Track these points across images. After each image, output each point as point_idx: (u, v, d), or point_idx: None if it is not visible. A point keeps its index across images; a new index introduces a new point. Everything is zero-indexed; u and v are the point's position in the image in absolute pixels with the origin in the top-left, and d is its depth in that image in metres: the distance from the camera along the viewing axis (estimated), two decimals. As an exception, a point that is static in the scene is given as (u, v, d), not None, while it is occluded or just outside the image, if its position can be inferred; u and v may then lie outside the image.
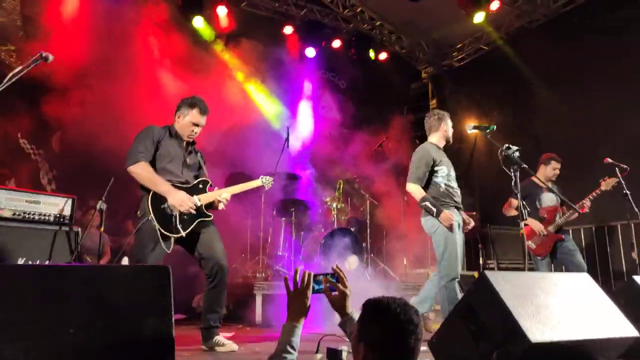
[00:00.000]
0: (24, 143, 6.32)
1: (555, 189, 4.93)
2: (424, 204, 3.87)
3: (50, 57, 2.59)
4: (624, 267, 6.06)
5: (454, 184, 3.99)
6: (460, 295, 3.73)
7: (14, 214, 3.68)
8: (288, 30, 8.14)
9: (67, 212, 4.07)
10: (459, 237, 3.82)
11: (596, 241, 6.51)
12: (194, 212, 3.11)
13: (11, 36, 6.55)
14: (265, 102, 7.76)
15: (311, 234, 5.93)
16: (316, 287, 1.75)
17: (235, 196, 5.90)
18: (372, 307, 1.45)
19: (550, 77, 7.43)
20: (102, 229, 4.37)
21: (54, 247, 3.94)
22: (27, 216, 3.81)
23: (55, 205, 4.03)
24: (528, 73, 7.80)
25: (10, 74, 2.41)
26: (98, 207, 4.18)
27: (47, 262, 3.73)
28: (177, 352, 2.93)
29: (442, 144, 4.19)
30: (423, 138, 9.64)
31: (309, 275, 1.73)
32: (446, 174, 3.95)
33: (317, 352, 2.38)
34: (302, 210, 6.04)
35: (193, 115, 3.32)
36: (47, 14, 6.33)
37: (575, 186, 5.17)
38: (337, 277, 1.81)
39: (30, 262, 3.57)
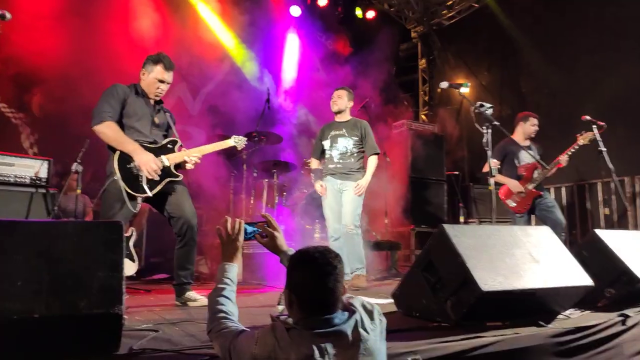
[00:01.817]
0: (4, 107, 6.24)
1: (534, 148, 4.94)
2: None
3: (8, 15, 2.51)
4: (603, 224, 6.16)
5: (335, 153, 4.52)
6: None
7: (-14, 176, 3.68)
8: (272, -12, 7.94)
9: (43, 174, 4.08)
10: (329, 199, 4.46)
11: (577, 199, 6.58)
12: (159, 173, 3.09)
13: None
14: (247, 61, 7.65)
15: (293, 195, 5.97)
16: (248, 231, 1.92)
17: (217, 158, 5.87)
18: (296, 255, 1.55)
19: (538, 36, 7.33)
20: (79, 190, 4.37)
21: (31, 209, 3.97)
22: (2, 178, 3.82)
23: (31, 167, 4.03)
24: (516, 32, 7.67)
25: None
26: (73, 169, 4.18)
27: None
28: (150, 307, 3.03)
29: (336, 118, 4.66)
30: (411, 99, 9.62)
31: (240, 223, 1.89)
32: (329, 145, 4.54)
33: (278, 304, 2.44)
34: (284, 171, 6.06)
35: (158, 71, 3.23)
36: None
37: (560, 145, 5.17)
38: (266, 222, 1.96)
39: None
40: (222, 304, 1.72)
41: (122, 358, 1.74)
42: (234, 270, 1.84)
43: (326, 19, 8.54)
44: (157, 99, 3.32)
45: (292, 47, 8.34)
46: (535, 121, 5.01)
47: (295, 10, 8.27)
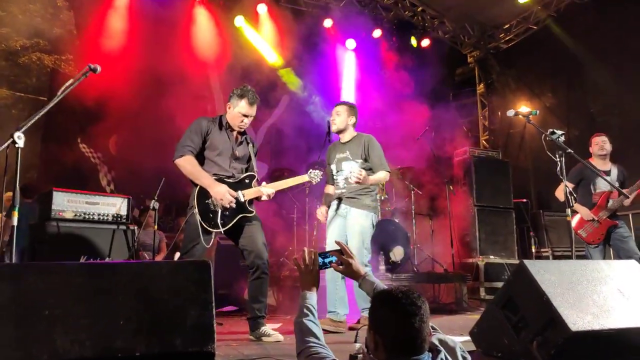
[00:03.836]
0: (84, 148, 6.75)
1: (616, 172, 4.70)
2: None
3: (99, 68, 2.76)
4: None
5: (340, 178, 4.03)
6: None
7: (75, 215, 3.97)
8: (328, 23, 8.17)
9: (123, 211, 4.33)
10: (332, 225, 4.00)
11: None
12: (234, 206, 3.21)
13: (68, 46, 6.98)
14: (305, 94, 7.88)
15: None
16: (323, 261, 2.01)
17: (281, 189, 6.05)
18: (378, 296, 1.58)
19: (603, 53, 7.08)
20: (156, 226, 4.59)
21: (113, 245, 4.21)
22: (87, 216, 4.10)
23: (113, 205, 4.29)
24: (580, 51, 7.44)
25: (63, 87, 2.60)
26: (151, 206, 4.42)
27: (107, 259, 4.00)
28: (226, 342, 3.10)
29: (340, 138, 4.13)
30: (471, 124, 9.47)
31: (315, 253, 1.99)
32: (335, 170, 4.08)
33: (355, 341, 2.44)
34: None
35: (242, 106, 3.33)
36: (97, 23, 6.69)
37: (633, 167, 4.91)
38: (340, 251, 2.04)
39: (91, 260, 3.84)
40: (310, 328, 1.80)
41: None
42: (314, 297, 1.94)
43: (381, 50, 8.66)
44: (241, 130, 3.45)
45: (348, 78, 8.50)
46: (597, 139, 4.77)
47: (351, 43, 8.46)
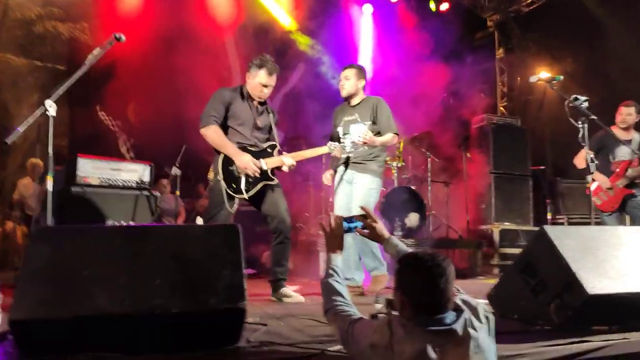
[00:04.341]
0: (103, 115, 6.81)
1: (638, 138, 4.65)
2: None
3: (123, 37, 2.81)
4: None
5: (347, 142, 3.77)
6: None
7: (100, 181, 4.08)
8: (344, -13, 8.03)
9: (146, 177, 4.43)
10: (338, 191, 4.06)
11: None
12: (258, 175, 3.29)
13: (82, 13, 6.95)
14: (322, 61, 7.82)
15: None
16: (347, 227, 2.03)
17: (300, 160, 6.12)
18: (405, 259, 1.64)
19: (627, 18, 6.84)
20: (177, 192, 4.69)
21: (136, 209, 4.34)
22: (111, 182, 4.21)
23: (136, 171, 4.39)
24: (604, 15, 7.22)
25: (90, 57, 2.64)
26: (172, 172, 4.51)
27: (131, 223, 4.12)
28: (250, 302, 3.21)
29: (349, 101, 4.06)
30: (489, 91, 9.34)
31: (340, 218, 2.03)
32: (342, 133, 4.01)
33: (376, 302, 2.53)
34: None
35: (261, 76, 3.35)
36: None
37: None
38: (365, 215, 2.07)
39: (116, 224, 3.95)
40: (336, 287, 1.86)
41: (242, 350, 1.91)
42: (339, 259, 2.00)
43: (398, 15, 8.49)
44: (261, 101, 3.48)
45: (365, 43, 8.39)
46: (623, 110, 4.66)
47: (368, 8, 8.31)
